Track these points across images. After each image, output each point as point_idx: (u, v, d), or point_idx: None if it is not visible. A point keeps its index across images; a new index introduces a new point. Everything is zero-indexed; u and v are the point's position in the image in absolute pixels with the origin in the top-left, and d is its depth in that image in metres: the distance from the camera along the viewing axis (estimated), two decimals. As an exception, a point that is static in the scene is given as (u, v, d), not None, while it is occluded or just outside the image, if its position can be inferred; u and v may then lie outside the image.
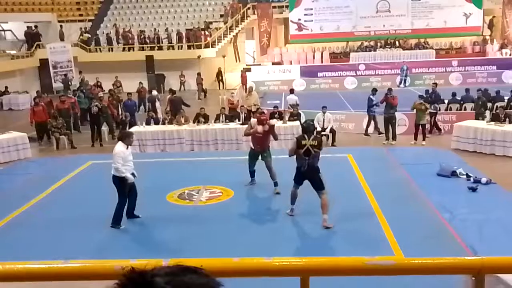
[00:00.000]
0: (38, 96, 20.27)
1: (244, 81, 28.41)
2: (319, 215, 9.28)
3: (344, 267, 2.05)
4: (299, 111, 17.04)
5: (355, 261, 2.04)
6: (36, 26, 31.88)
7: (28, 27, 31.68)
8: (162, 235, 9.05)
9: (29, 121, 17.92)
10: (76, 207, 10.59)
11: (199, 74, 28.71)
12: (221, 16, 33.24)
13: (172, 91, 20.11)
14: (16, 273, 2.01)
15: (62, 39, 32.03)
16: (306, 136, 9.19)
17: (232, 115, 17.03)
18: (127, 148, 9.35)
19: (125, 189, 9.29)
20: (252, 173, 11.45)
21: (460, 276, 2.06)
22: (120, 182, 9.23)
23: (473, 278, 1.94)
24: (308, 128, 9.44)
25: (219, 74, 30.73)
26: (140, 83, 24.23)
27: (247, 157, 11.42)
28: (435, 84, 18.76)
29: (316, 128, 15.85)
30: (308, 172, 9.13)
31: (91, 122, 17.49)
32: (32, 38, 31.16)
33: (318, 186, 9.09)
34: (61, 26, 32.72)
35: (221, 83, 30.73)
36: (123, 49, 31.64)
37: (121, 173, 9.14)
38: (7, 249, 8.52)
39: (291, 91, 20.02)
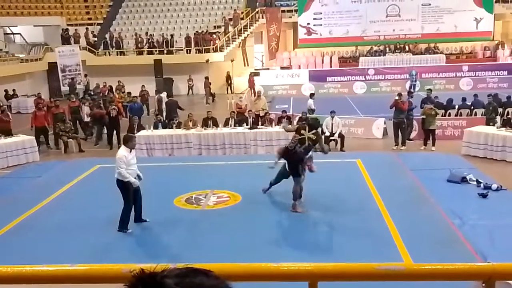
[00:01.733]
0: (38, 97, 20.31)
1: (251, 85, 28.45)
2: (327, 220, 9.29)
3: (354, 272, 2.02)
4: (307, 115, 16.99)
5: (364, 266, 2.01)
6: (67, 29, 32.25)
7: (62, 29, 32.25)
8: (169, 240, 9.04)
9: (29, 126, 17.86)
10: (83, 211, 10.60)
11: (207, 78, 28.76)
12: (230, 19, 33.32)
13: (167, 94, 20.35)
14: (25, 276, 2.01)
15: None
16: (307, 128, 9.86)
17: (240, 119, 17.04)
18: (131, 151, 9.32)
19: (129, 193, 9.26)
20: (271, 185, 11.00)
21: (470, 282, 2.03)
22: (123, 186, 9.22)
23: (483, 285, 1.91)
24: (313, 124, 10.18)
25: (228, 78, 30.80)
26: (143, 86, 24.24)
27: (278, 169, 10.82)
28: (430, 90, 18.49)
29: (324, 133, 15.96)
30: (294, 158, 9.78)
31: (109, 125, 17.54)
32: (67, 41, 31.60)
33: (296, 173, 9.83)
34: (76, 29, 32.94)
35: (229, 87, 30.80)
36: (120, 53, 31.68)
37: (124, 177, 9.12)
38: (15, 252, 8.55)
39: (311, 96, 19.81)
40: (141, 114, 18.98)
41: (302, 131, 9.83)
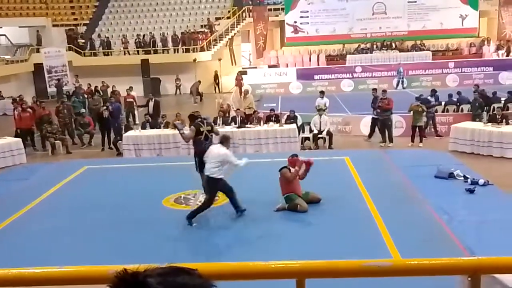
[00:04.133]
0: (20, 99, 20.05)
1: (238, 84, 28.45)
2: (316, 218, 9.31)
3: (341, 269, 2.03)
4: (295, 113, 17.02)
5: (351, 263, 2.02)
6: (72, 29, 32.11)
7: (70, 29, 32.16)
8: (158, 240, 9.01)
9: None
10: (71, 213, 10.54)
11: (199, 82, 28.70)
12: (217, 19, 33.29)
13: (150, 95, 20.34)
14: (11, 278, 2.00)
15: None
16: (201, 124, 10.31)
17: (224, 120, 16.97)
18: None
19: (216, 191, 9.54)
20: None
21: (457, 276, 2.04)
22: (217, 183, 9.37)
23: (469, 279, 1.92)
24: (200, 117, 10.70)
25: (216, 77, 30.75)
26: (113, 86, 23.80)
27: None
28: (375, 89, 18.38)
29: (312, 131, 16.01)
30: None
31: (101, 125, 17.41)
32: (72, 40, 31.59)
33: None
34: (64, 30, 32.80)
35: (217, 87, 30.74)
36: (107, 54, 31.54)
37: (240, 163, 9.41)
38: (2, 255, 8.48)
39: (321, 93, 19.41)
40: (118, 114, 18.65)
41: (202, 129, 10.19)
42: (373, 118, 16.47)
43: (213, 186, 9.40)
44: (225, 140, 9.64)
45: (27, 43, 32.82)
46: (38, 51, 30.50)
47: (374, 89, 17.94)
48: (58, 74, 29.54)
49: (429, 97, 16.86)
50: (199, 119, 10.52)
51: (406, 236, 8.56)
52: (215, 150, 9.44)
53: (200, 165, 10.09)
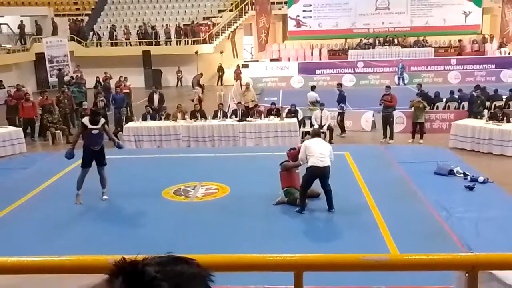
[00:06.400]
0: (17, 89, 19.93)
1: (238, 77, 28.41)
2: (315, 212, 9.32)
3: (338, 262, 2.03)
4: (297, 108, 17.01)
5: (349, 257, 2.02)
6: (82, 20, 32.14)
7: (75, 22, 32.12)
8: (157, 231, 9.03)
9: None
10: (71, 202, 10.54)
11: (201, 74, 28.64)
12: (219, 12, 33.21)
13: (154, 87, 20.25)
14: (11, 266, 2.00)
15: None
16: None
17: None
18: None
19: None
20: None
21: (454, 272, 2.05)
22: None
23: (467, 275, 1.93)
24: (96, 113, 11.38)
25: (220, 69, 30.70)
26: (120, 77, 23.38)
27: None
28: (340, 84, 18.47)
29: (313, 125, 16.00)
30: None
31: None
32: (78, 32, 31.60)
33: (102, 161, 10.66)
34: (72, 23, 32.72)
35: (220, 79, 30.70)
36: (111, 44, 31.48)
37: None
38: (1, 243, 8.50)
39: (312, 88, 19.74)
40: (123, 104, 18.61)
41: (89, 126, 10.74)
42: (339, 113, 16.89)
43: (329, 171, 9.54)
44: (320, 135, 10.64)
45: (29, 32, 32.73)
46: (39, 40, 30.36)
47: (339, 84, 18.33)
48: (59, 64, 29.48)
49: (473, 93, 16.85)
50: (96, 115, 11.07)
51: (404, 232, 8.58)
52: (326, 143, 10.05)
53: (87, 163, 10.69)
